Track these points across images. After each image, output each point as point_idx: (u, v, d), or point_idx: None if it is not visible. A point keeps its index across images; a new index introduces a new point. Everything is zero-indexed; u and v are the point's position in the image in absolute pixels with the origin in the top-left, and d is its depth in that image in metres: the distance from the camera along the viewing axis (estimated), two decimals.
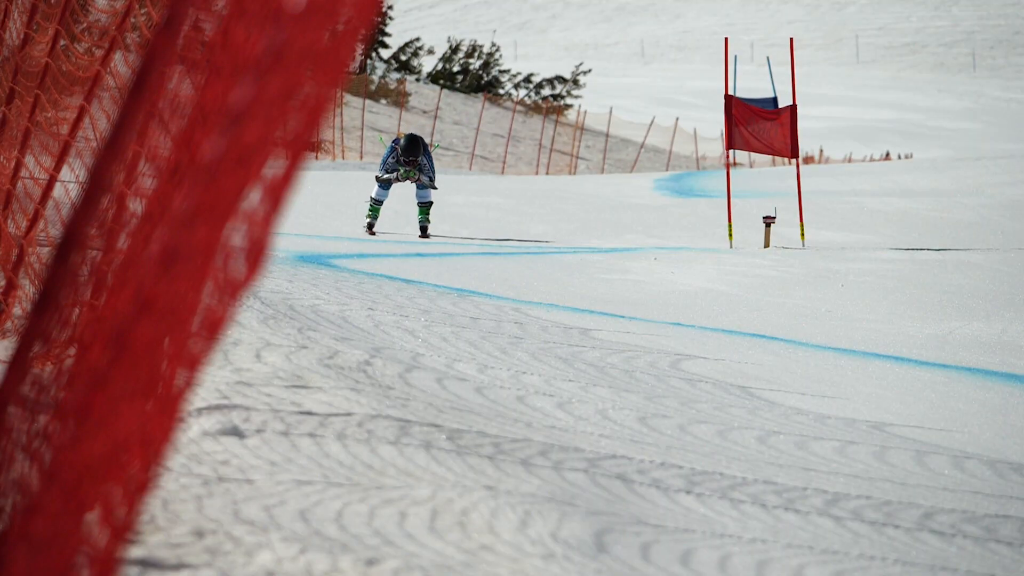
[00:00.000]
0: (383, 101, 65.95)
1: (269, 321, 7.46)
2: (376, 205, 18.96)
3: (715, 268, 16.36)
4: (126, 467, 2.44)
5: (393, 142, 18.90)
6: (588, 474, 5.34)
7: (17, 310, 6.55)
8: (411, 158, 18.77)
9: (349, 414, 5.48)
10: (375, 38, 71.81)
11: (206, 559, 3.81)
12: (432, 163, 19.00)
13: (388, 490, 4.66)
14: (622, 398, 7.24)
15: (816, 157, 73.02)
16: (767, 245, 19.91)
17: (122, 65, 6.37)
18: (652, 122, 70.61)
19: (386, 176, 19.01)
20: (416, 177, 18.84)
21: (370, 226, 18.92)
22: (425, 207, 18.97)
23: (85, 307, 2.51)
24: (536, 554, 4.26)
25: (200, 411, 5.21)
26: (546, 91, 77.91)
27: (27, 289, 6.56)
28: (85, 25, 7.03)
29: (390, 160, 19.01)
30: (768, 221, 19.97)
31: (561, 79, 78.17)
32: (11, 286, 6.61)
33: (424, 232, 18.86)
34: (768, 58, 26.04)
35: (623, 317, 11.57)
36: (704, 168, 63.51)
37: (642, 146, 67.75)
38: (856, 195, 27.95)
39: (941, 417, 8.07)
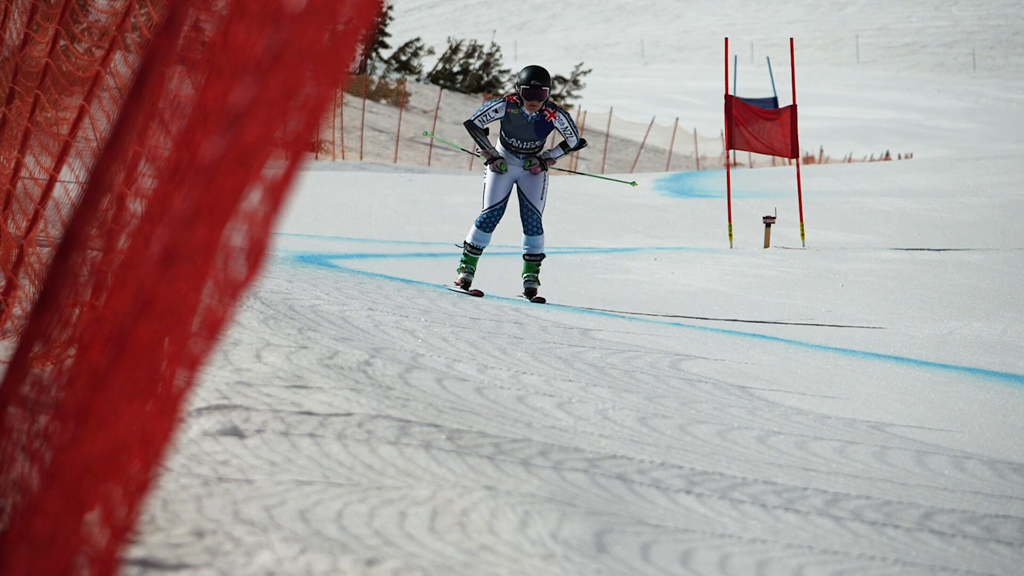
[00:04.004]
0: (383, 101, 65.94)
1: (269, 321, 7.46)
2: (473, 255, 12.58)
3: (715, 268, 16.36)
4: (126, 467, 2.44)
5: (499, 99, 12.46)
6: (588, 474, 5.34)
7: (17, 310, 6.55)
8: (537, 85, 12.17)
9: (349, 414, 5.48)
10: (375, 38, 71.79)
11: (206, 559, 3.81)
12: (572, 123, 12.50)
13: (388, 490, 4.66)
14: (622, 398, 7.24)
15: (816, 157, 73.04)
16: (767, 245, 19.92)
17: (122, 65, 6.37)
18: (652, 122, 70.63)
19: (485, 139, 12.52)
20: (535, 164, 12.39)
21: (466, 283, 12.54)
22: (533, 261, 12.54)
23: (85, 307, 2.51)
24: (536, 554, 4.26)
25: (200, 411, 5.21)
26: None
27: (27, 289, 6.56)
28: (85, 25, 7.04)
29: (491, 112, 12.46)
30: (768, 221, 19.98)
31: (561, 79, 78.18)
32: (11, 286, 6.61)
33: (531, 294, 12.51)
34: (768, 58, 26.05)
35: (623, 317, 11.57)
36: (704, 168, 63.53)
37: (642, 146, 67.76)
38: (856, 195, 27.95)
39: (941, 417, 8.07)
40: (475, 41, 79.51)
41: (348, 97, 57.71)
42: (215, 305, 2.41)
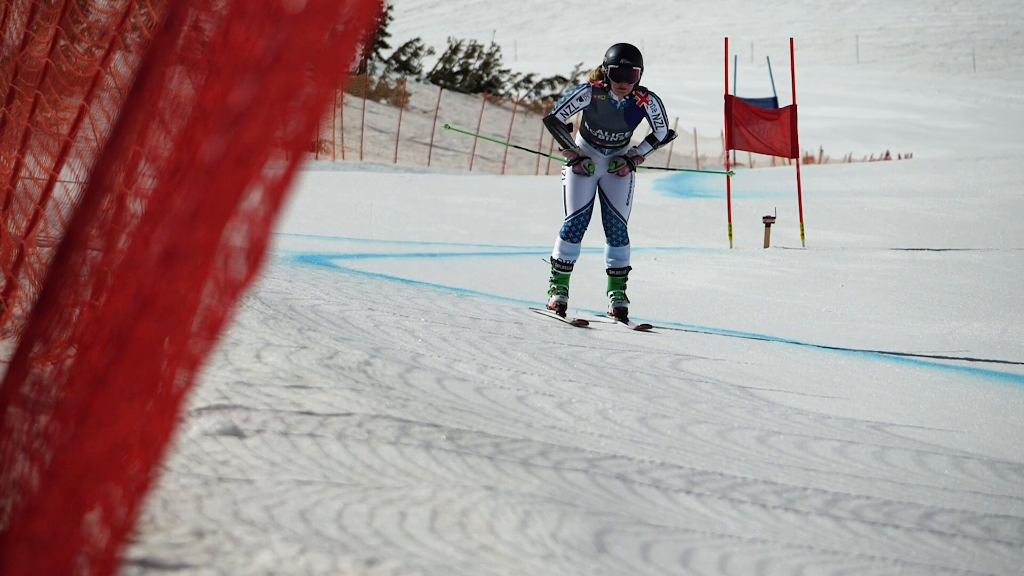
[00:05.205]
0: (383, 101, 65.94)
1: (269, 321, 7.46)
2: (563, 271, 10.93)
3: (715, 268, 16.35)
4: (126, 467, 2.44)
5: (583, 86, 10.65)
6: (588, 474, 5.34)
7: (17, 310, 6.55)
8: (628, 64, 10.43)
9: (349, 414, 5.47)
10: (375, 38, 71.80)
11: (206, 559, 3.81)
12: (664, 110, 10.82)
13: (388, 490, 4.66)
14: (622, 398, 7.24)
15: (816, 157, 73.07)
16: (767, 245, 19.91)
17: (122, 65, 6.37)
18: None
19: (568, 132, 10.82)
20: (622, 165, 10.86)
21: (562, 307, 10.87)
22: (619, 276, 10.97)
23: (85, 307, 2.51)
24: (536, 554, 4.26)
25: (200, 411, 5.21)
26: (546, 91, 77.96)
27: (27, 289, 6.56)
28: (85, 25, 7.03)
29: (575, 102, 10.69)
30: (768, 221, 19.98)
31: (561, 79, 78.21)
32: (11, 286, 6.61)
33: (622, 315, 10.90)
34: (768, 58, 26.05)
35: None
36: (704, 168, 63.55)
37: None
38: (856, 195, 27.94)
39: (941, 417, 8.06)
40: (475, 41, 79.52)
41: (348, 97, 57.71)
42: (215, 305, 2.41)
